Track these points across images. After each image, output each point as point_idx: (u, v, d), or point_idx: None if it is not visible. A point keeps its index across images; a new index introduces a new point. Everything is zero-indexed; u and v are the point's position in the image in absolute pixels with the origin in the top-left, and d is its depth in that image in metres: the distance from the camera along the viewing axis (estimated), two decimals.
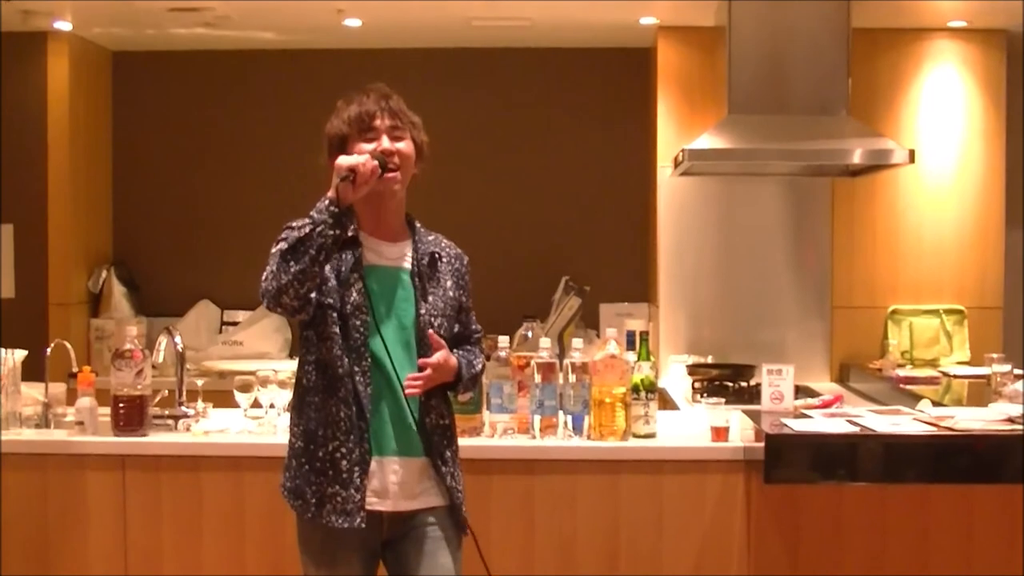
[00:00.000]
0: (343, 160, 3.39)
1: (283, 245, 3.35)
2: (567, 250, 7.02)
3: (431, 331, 3.48)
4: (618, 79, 7.19)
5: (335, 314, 3.45)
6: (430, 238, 3.64)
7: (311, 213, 3.34)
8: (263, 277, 3.40)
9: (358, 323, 3.45)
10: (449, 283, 3.62)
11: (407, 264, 3.58)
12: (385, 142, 3.51)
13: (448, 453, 3.57)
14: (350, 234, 3.46)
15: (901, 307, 6.54)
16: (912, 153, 5.60)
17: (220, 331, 7.21)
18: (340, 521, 3.43)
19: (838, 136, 5.69)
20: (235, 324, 7.21)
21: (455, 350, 3.59)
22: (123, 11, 6.28)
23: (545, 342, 4.40)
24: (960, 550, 4.19)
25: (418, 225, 3.66)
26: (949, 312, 6.53)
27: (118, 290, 7.05)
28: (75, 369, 4.66)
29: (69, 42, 6.71)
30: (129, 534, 4.34)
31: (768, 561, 4.20)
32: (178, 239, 7.34)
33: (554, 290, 6.75)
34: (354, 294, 3.46)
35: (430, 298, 3.56)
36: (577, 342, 4.47)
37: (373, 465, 3.46)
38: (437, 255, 3.62)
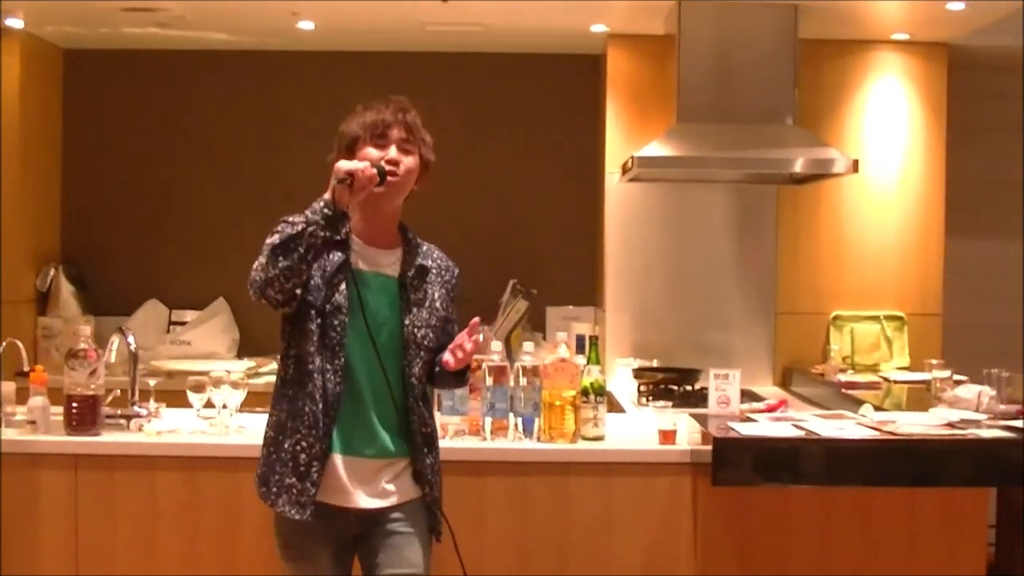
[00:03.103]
0: (343, 164, 3.45)
1: (275, 239, 3.41)
2: (515, 253, 7.06)
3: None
4: (569, 85, 7.25)
5: (314, 312, 3.52)
6: (422, 248, 3.70)
7: (305, 211, 3.41)
8: (253, 267, 3.47)
9: (336, 323, 3.52)
10: (436, 295, 3.70)
11: (395, 273, 3.64)
12: (392, 152, 3.59)
13: (428, 460, 3.65)
14: (341, 237, 3.52)
15: (843, 313, 6.64)
16: (856, 163, 5.73)
17: (168, 331, 7.20)
18: (293, 512, 3.52)
19: (783, 145, 5.80)
20: (183, 324, 7.21)
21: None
22: (77, 10, 6.28)
23: (496, 345, 4.47)
24: (902, 551, 4.27)
25: (411, 235, 3.72)
26: (890, 318, 6.64)
27: (66, 289, 7.03)
28: (26, 368, 4.66)
29: (20, 40, 6.68)
30: (81, 534, 4.33)
31: (715, 561, 4.26)
32: (127, 238, 7.33)
33: (502, 293, 6.81)
34: (336, 295, 3.53)
35: (415, 308, 3.63)
36: (528, 345, 4.53)
37: (338, 462, 3.54)
38: (426, 267, 3.68)
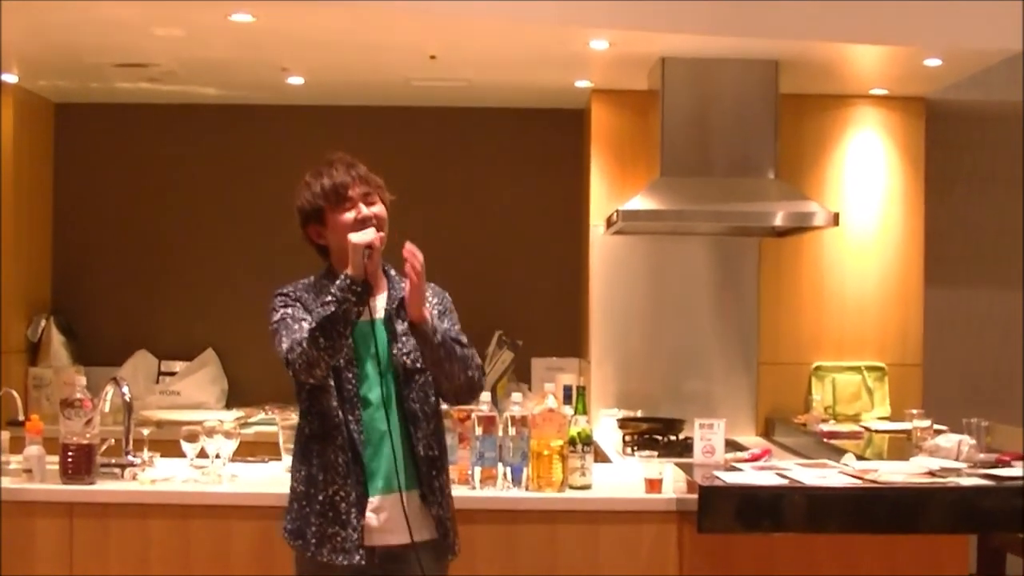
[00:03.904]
0: (359, 239, 3.57)
1: (287, 312, 3.68)
2: (501, 305, 7.12)
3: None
4: (553, 139, 7.34)
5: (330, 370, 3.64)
6: (404, 284, 3.75)
7: (333, 291, 3.54)
8: (284, 348, 3.61)
9: (350, 375, 3.67)
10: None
11: (382, 314, 3.74)
12: (364, 209, 3.71)
13: (436, 483, 3.75)
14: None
15: (824, 363, 6.71)
16: (836, 216, 5.82)
17: (157, 381, 7.25)
18: (340, 559, 3.64)
19: (764, 198, 5.89)
20: (172, 374, 7.26)
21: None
22: (69, 65, 6.37)
23: (486, 396, 4.53)
24: None
25: (392, 273, 3.82)
26: (871, 369, 6.72)
27: (57, 339, 7.08)
28: (20, 417, 4.71)
29: (13, 94, 6.76)
30: None
31: None
32: (117, 289, 7.38)
33: (488, 344, 6.88)
34: (344, 349, 3.64)
35: (403, 338, 3.72)
36: (516, 396, 4.59)
37: (370, 504, 3.67)
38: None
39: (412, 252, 3.58)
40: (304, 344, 3.54)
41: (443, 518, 3.76)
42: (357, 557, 3.64)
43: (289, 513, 3.78)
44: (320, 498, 3.68)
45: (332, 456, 3.67)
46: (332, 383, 3.67)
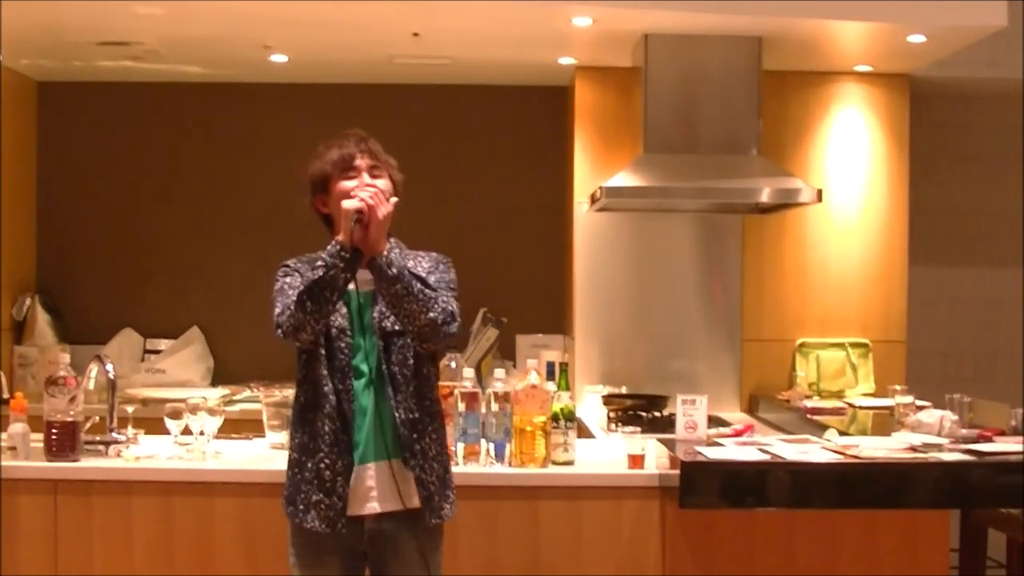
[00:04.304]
0: (349, 204, 3.61)
1: (287, 281, 3.72)
2: (485, 282, 7.10)
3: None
4: (536, 116, 7.35)
5: (322, 338, 3.71)
6: (403, 252, 3.82)
7: (323, 256, 3.59)
8: (276, 312, 3.68)
9: (342, 344, 3.72)
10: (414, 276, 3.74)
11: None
12: (366, 179, 3.74)
13: (418, 447, 3.75)
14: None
15: (808, 340, 6.73)
16: (820, 192, 5.84)
17: (143, 359, 7.25)
18: (323, 526, 3.71)
19: (748, 175, 5.90)
20: (157, 352, 7.26)
21: None
22: (51, 44, 6.36)
23: (468, 372, 4.55)
24: (868, 573, 4.36)
25: (393, 242, 3.79)
26: (855, 345, 6.74)
27: (42, 318, 7.08)
28: (6, 395, 4.72)
29: None
30: (60, 558, 4.39)
31: None
32: (101, 268, 7.38)
33: (472, 321, 6.90)
34: (339, 318, 3.73)
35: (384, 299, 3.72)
36: (499, 372, 4.61)
37: (355, 473, 3.71)
38: (396, 260, 3.71)
39: (363, 187, 3.67)
40: (292, 307, 3.61)
41: (425, 481, 3.75)
42: (339, 524, 3.69)
43: (286, 480, 3.83)
44: (309, 465, 3.73)
45: (320, 424, 3.72)
46: (323, 352, 3.73)
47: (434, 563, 3.85)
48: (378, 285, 3.67)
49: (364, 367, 3.75)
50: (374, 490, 3.74)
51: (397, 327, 3.74)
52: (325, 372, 3.73)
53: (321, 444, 3.72)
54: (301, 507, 3.74)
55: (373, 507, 3.74)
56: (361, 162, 3.78)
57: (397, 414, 3.73)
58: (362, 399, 3.74)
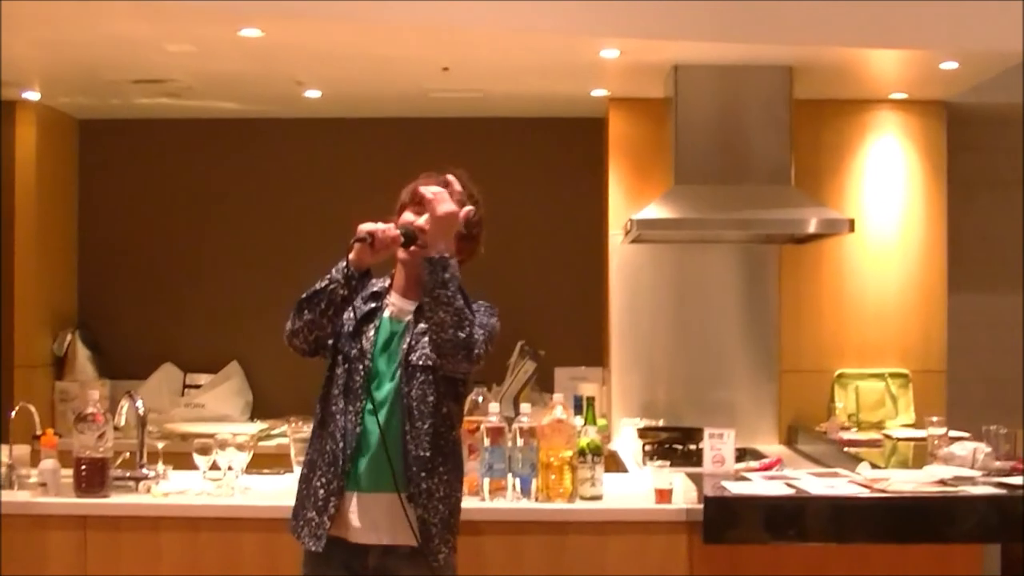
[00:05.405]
0: (363, 225, 3.66)
1: (303, 294, 3.72)
2: (522, 315, 7.05)
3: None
4: (570, 148, 7.35)
5: (341, 357, 3.77)
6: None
7: (331, 270, 3.67)
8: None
9: (360, 367, 3.72)
10: None
11: (410, 318, 3.79)
12: (411, 216, 3.79)
13: (425, 485, 3.71)
14: (376, 289, 3.81)
15: (847, 371, 6.68)
16: (852, 222, 5.80)
17: (182, 394, 7.30)
18: (310, 543, 3.74)
19: (781, 205, 5.86)
20: (197, 387, 7.31)
21: None
22: (89, 82, 6.43)
23: (494, 407, 4.54)
24: None
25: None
26: (894, 376, 6.68)
27: (82, 353, 7.15)
28: (39, 431, 4.76)
29: (36, 111, 6.87)
30: None
31: None
32: (141, 303, 7.44)
33: (510, 354, 6.89)
34: (363, 342, 3.75)
35: (418, 336, 3.74)
36: (525, 406, 4.60)
37: (354, 499, 3.71)
38: (458, 278, 3.74)
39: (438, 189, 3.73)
40: (293, 311, 3.73)
41: (426, 521, 3.71)
42: (321, 544, 3.70)
43: (296, 496, 3.88)
44: (312, 482, 3.77)
45: (325, 443, 3.75)
46: (339, 372, 3.75)
47: None
48: (427, 283, 3.65)
49: (379, 395, 3.74)
50: (370, 519, 3.71)
51: (422, 362, 3.73)
52: (337, 392, 3.75)
53: (321, 463, 3.74)
54: (300, 523, 3.78)
55: (362, 536, 3.71)
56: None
57: (409, 448, 3.71)
58: (370, 424, 3.72)
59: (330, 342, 3.78)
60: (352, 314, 3.77)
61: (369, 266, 3.72)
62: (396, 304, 3.82)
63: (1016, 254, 7.05)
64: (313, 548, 3.72)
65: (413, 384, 3.74)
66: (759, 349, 6.68)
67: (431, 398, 3.75)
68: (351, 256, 3.66)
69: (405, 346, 3.75)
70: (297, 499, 3.86)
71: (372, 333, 3.78)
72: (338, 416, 3.73)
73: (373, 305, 3.82)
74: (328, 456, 3.73)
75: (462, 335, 3.64)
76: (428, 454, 3.73)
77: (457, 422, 3.88)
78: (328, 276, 3.69)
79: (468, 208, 3.81)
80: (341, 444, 3.71)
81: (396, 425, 3.72)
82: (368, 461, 3.72)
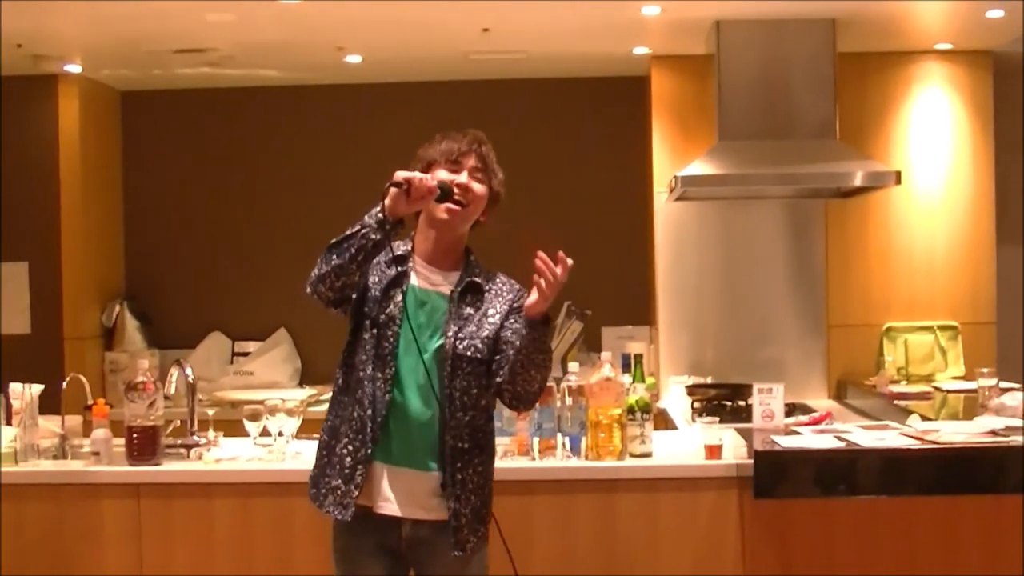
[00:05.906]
0: (400, 173, 3.55)
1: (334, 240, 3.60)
2: (569, 275, 7.09)
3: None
4: (613, 107, 7.33)
5: (369, 322, 3.65)
6: (481, 271, 3.77)
7: (364, 216, 3.56)
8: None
9: (389, 333, 3.63)
10: (493, 311, 3.72)
11: (447, 290, 3.72)
12: (463, 177, 3.70)
13: (460, 476, 3.64)
14: (400, 252, 3.70)
15: (896, 324, 6.65)
16: (899, 175, 5.76)
17: (231, 362, 7.36)
18: (336, 513, 3.64)
19: (827, 159, 5.84)
20: (246, 355, 7.37)
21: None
22: (130, 53, 6.46)
23: None
24: (947, 559, 4.27)
25: (473, 259, 3.79)
26: (943, 328, 6.64)
27: (131, 324, 7.21)
28: (90, 402, 4.80)
29: (79, 84, 6.90)
30: (144, 560, 4.45)
31: (762, 573, 4.30)
32: (189, 272, 7.50)
33: (556, 315, 6.88)
34: (391, 306, 3.65)
35: (462, 323, 3.69)
36: (573, 366, 4.58)
37: (383, 471, 3.63)
38: (479, 284, 3.73)
39: (546, 262, 3.53)
40: (321, 257, 3.60)
41: (458, 512, 3.64)
42: (349, 513, 3.60)
43: (314, 463, 3.79)
44: (336, 450, 3.67)
45: (351, 410, 3.66)
46: (367, 337, 3.65)
47: (478, 565, 3.75)
48: (528, 345, 3.58)
49: (407, 359, 3.64)
50: (403, 493, 3.64)
51: (470, 353, 3.67)
52: (365, 358, 3.64)
53: (349, 430, 3.65)
54: (323, 491, 3.69)
55: (393, 509, 3.63)
56: (467, 161, 3.73)
57: (446, 438, 3.64)
58: (401, 397, 3.64)
59: (354, 296, 3.66)
60: (377, 278, 3.68)
61: (403, 216, 3.59)
62: (423, 272, 3.73)
63: None
64: (339, 517, 3.63)
65: (458, 374, 3.66)
66: (806, 305, 6.66)
67: (475, 390, 3.69)
68: (386, 201, 3.54)
69: (451, 334, 3.67)
70: (316, 466, 3.76)
71: (400, 298, 3.66)
72: (366, 383, 3.63)
73: (399, 269, 3.70)
74: (356, 423, 3.63)
75: (543, 386, 3.71)
76: (467, 446, 3.67)
77: (491, 413, 3.82)
78: (360, 222, 3.57)
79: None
80: (370, 411, 3.62)
81: (436, 411, 3.64)
82: (400, 434, 3.64)
